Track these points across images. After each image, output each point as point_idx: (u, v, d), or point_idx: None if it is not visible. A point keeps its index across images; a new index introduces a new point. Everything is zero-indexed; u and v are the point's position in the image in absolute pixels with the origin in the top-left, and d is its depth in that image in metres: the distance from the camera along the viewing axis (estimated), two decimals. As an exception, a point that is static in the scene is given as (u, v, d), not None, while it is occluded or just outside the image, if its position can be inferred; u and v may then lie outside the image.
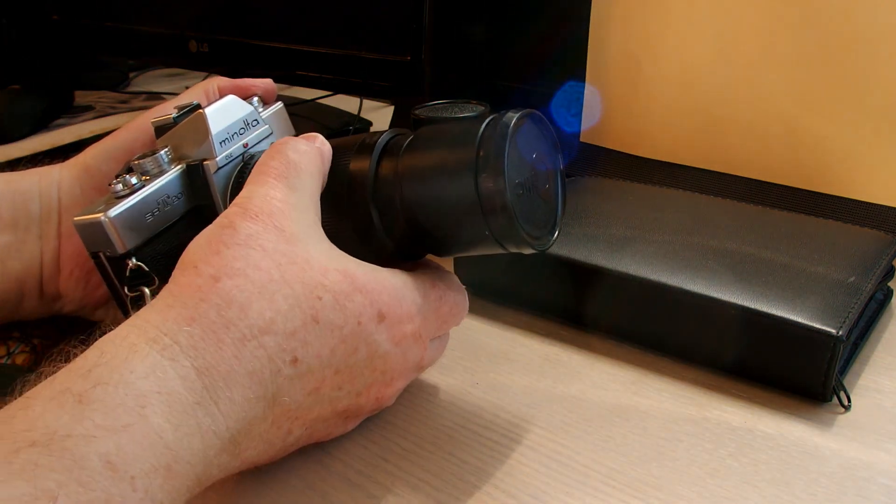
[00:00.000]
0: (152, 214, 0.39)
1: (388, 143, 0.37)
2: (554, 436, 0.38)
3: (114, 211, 0.38)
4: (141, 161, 0.39)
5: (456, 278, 0.39)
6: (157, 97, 0.99)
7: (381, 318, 0.33)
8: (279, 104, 0.47)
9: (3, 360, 0.43)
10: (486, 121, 0.34)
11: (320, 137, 0.38)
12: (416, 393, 0.42)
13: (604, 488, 0.35)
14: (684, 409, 0.40)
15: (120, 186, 0.38)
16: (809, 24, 0.56)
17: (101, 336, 0.29)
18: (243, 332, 0.29)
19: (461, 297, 0.38)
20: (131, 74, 1.11)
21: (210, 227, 0.33)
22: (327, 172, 0.37)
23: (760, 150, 0.61)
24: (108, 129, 0.47)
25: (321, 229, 0.35)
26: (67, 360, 0.28)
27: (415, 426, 0.39)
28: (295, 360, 0.31)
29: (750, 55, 0.60)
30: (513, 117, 0.33)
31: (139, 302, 0.38)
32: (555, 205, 0.37)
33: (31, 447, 0.24)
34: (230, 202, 0.40)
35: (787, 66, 0.58)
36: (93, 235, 0.38)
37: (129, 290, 0.38)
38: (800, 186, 0.60)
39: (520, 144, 0.33)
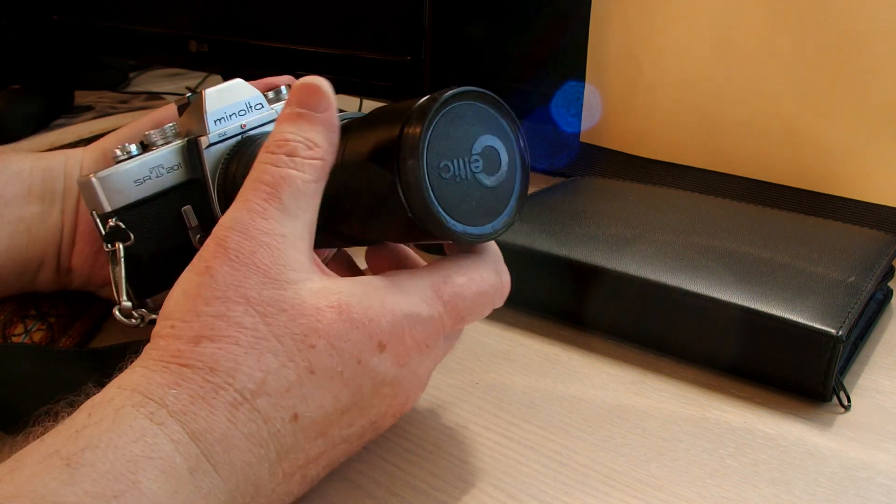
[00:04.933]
0: (142, 180, 0.42)
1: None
2: (554, 436, 0.38)
3: (103, 173, 0.41)
4: (149, 133, 0.43)
5: (490, 264, 0.34)
6: (157, 97, 0.99)
7: (381, 347, 0.30)
8: None
9: (21, 338, 0.45)
10: (427, 96, 0.32)
11: (323, 120, 0.32)
12: (416, 393, 0.42)
13: (604, 488, 0.35)
14: (684, 409, 0.40)
15: (118, 153, 0.42)
16: (809, 24, 0.56)
17: (87, 397, 0.28)
18: (234, 396, 0.28)
19: (487, 287, 0.34)
20: (131, 74, 1.11)
21: (188, 271, 0.31)
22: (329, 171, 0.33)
23: (760, 150, 0.61)
24: (107, 129, 0.49)
25: (313, 258, 0.32)
26: (56, 420, 0.28)
27: (415, 426, 0.39)
28: (295, 417, 0.29)
29: (750, 55, 0.60)
30: (446, 93, 0.31)
31: (115, 258, 0.41)
32: (508, 193, 0.34)
33: None
34: (219, 179, 0.42)
35: (787, 66, 0.58)
36: (87, 194, 0.42)
37: (106, 246, 0.41)
38: (800, 186, 0.60)
39: (457, 124, 0.31)
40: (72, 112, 0.91)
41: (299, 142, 0.32)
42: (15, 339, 0.44)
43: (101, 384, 0.30)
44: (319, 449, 0.31)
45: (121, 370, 0.30)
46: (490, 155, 0.33)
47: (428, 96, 0.32)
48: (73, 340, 0.46)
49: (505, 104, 0.33)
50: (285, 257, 0.30)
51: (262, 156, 0.32)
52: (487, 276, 0.34)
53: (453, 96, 0.31)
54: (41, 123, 0.86)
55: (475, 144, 0.32)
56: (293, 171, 0.31)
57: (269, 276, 0.29)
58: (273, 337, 0.29)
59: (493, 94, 0.33)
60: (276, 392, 0.28)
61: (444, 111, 0.31)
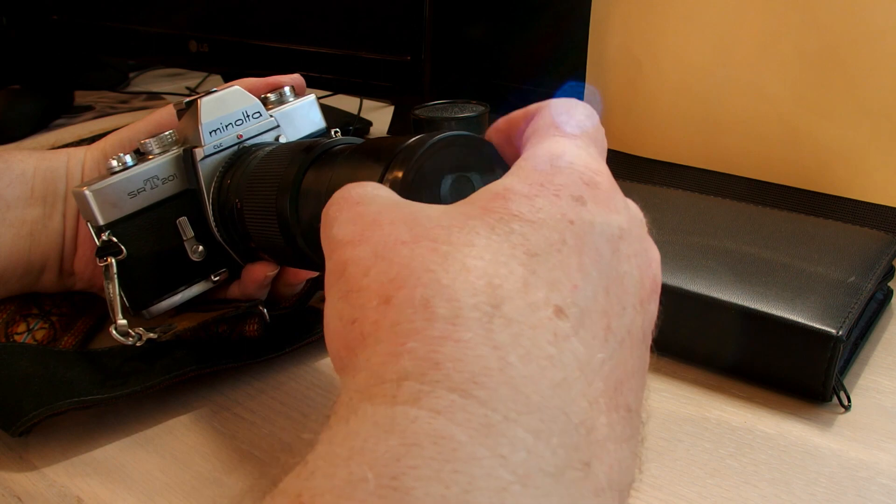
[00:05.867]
0: (137, 192, 0.41)
1: (325, 151, 0.37)
2: (554, 436, 0.38)
3: (96, 185, 0.40)
4: (147, 141, 0.42)
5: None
6: (157, 97, 0.99)
7: (580, 200, 0.25)
8: (310, 96, 0.47)
9: (24, 337, 0.45)
10: (414, 138, 0.31)
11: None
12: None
13: (604, 488, 0.35)
14: (684, 409, 0.40)
15: (114, 163, 0.41)
16: (809, 25, 0.56)
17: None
18: (474, 315, 0.21)
19: (586, 109, 0.29)
20: (131, 74, 1.11)
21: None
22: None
23: (760, 150, 0.61)
24: (107, 129, 0.48)
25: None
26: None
27: (415, 426, 0.39)
28: (559, 311, 0.22)
29: (750, 55, 0.60)
30: (433, 137, 0.30)
31: (108, 273, 0.40)
32: None
33: None
34: (214, 190, 0.41)
35: (787, 66, 0.58)
36: (81, 206, 0.41)
37: (99, 261, 0.40)
38: (800, 186, 0.60)
39: (442, 168, 0.30)
40: (72, 112, 0.91)
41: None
42: (17, 338, 0.45)
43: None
44: (614, 350, 0.24)
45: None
46: (463, 184, 0.31)
47: (415, 138, 0.31)
48: (75, 338, 0.46)
49: (491, 144, 0.32)
50: (413, 205, 0.25)
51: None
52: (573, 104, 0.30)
53: (437, 142, 0.30)
54: (41, 123, 0.86)
55: (451, 178, 0.31)
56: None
57: (408, 218, 0.24)
58: (462, 245, 0.23)
59: (480, 137, 0.31)
60: (514, 291, 0.22)
61: (428, 155, 0.30)
